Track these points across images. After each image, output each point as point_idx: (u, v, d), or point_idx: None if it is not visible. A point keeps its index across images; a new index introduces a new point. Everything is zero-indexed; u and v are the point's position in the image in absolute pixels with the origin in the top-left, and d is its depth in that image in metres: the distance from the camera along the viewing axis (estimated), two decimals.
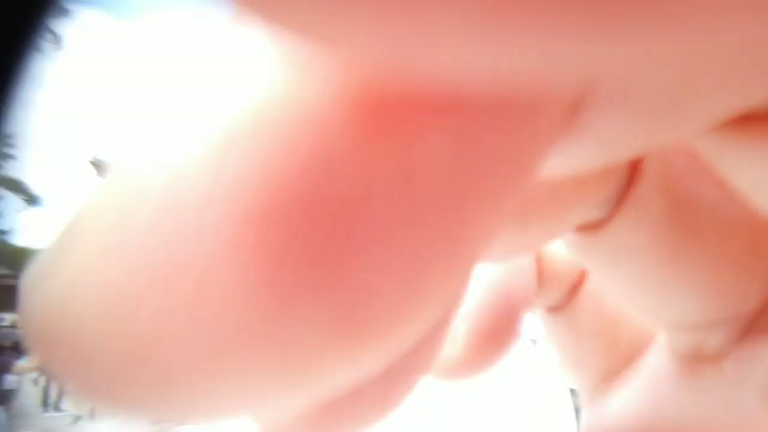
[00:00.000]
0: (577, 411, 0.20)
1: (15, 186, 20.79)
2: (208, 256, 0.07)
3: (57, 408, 7.70)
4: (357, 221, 0.07)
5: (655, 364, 0.18)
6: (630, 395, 0.17)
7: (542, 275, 0.18)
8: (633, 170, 0.13)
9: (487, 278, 0.16)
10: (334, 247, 0.07)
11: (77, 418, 7.01)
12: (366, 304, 0.07)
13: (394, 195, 0.07)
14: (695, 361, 0.15)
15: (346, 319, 0.07)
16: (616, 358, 0.18)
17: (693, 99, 0.09)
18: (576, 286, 0.18)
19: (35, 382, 7.74)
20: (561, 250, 0.17)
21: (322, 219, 0.07)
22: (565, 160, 0.10)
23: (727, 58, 0.07)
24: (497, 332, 0.15)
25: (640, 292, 0.15)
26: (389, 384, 0.10)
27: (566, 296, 0.18)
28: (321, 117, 0.07)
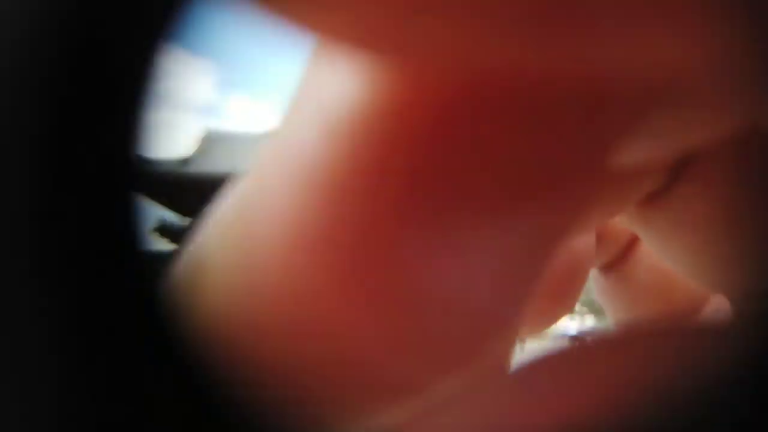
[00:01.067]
0: None
1: None
2: (340, 299, 0.08)
3: None
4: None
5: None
6: None
7: (599, 233, 0.17)
8: None
9: None
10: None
11: None
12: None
13: (491, 190, 0.08)
14: None
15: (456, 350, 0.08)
16: (671, 315, 0.18)
17: (747, 90, 0.08)
18: (632, 242, 0.18)
19: None
20: None
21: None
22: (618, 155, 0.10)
23: None
24: (560, 290, 0.15)
25: (703, 263, 0.14)
26: None
27: (622, 252, 0.18)
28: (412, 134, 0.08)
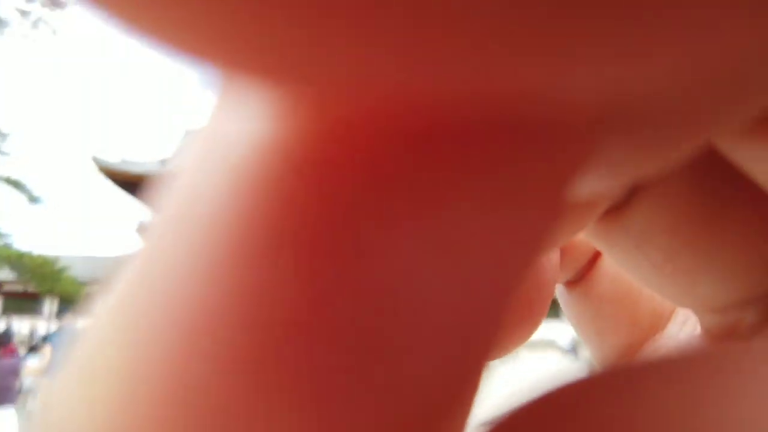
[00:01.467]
0: None
1: (16, 185, 20.86)
2: (240, 405, 0.06)
3: None
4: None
5: (680, 339, 0.18)
6: None
7: (561, 248, 0.17)
8: None
9: None
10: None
11: None
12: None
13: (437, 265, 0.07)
14: (729, 339, 0.14)
15: None
16: (637, 329, 0.18)
17: (699, 116, 0.08)
18: (595, 257, 0.18)
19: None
20: None
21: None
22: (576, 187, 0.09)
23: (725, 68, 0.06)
24: (525, 309, 0.15)
25: (666, 276, 0.14)
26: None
27: (585, 267, 0.18)
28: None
